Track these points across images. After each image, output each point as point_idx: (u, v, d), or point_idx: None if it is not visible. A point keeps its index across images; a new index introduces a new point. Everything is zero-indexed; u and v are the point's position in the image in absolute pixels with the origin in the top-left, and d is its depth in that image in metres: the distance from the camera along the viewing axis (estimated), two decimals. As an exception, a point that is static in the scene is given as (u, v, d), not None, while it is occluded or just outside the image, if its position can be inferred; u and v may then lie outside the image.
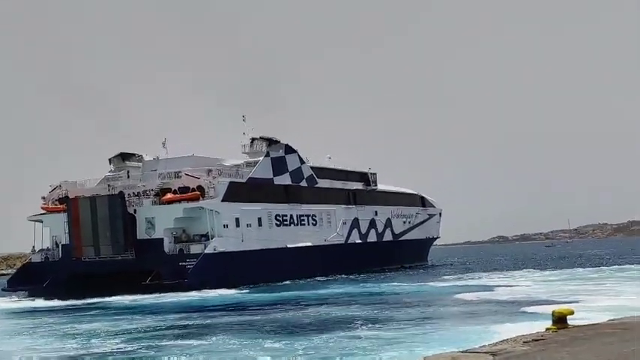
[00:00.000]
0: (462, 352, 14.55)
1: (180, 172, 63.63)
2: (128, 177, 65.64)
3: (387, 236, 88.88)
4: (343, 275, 72.36)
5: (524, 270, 70.19)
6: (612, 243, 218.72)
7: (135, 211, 61.48)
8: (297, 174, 73.24)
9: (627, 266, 65.55)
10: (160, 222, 60.76)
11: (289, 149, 72.90)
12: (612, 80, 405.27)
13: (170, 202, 61.17)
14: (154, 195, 62.31)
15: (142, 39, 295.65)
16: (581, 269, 65.00)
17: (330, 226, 77.59)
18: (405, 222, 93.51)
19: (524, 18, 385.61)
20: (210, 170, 64.54)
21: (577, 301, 31.07)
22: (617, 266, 66.48)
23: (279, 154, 71.85)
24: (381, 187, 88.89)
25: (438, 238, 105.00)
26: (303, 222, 73.46)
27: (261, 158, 70.15)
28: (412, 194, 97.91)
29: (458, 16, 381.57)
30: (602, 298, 34.10)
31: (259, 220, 67.18)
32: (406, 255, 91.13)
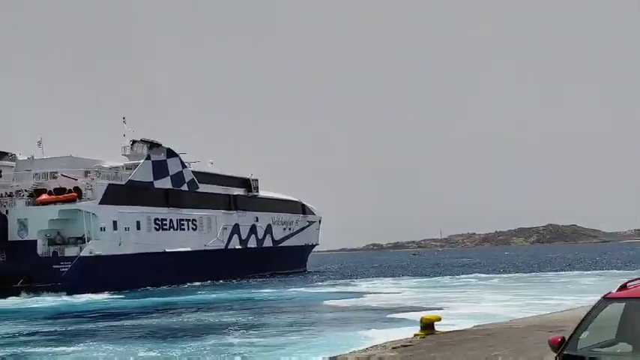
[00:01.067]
0: (331, 357, 14.96)
1: (56, 172, 61.64)
2: (0, 176, 63.03)
3: (267, 242, 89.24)
4: (222, 281, 72.12)
5: (394, 277, 72.43)
6: (480, 252, 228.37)
7: (7, 211, 59.23)
8: (178, 178, 72.41)
9: (487, 275, 69.10)
10: (33, 223, 58.73)
11: (171, 153, 72.01)
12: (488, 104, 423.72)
13: (45, 203, 59.21)
14: (28, 196, 60.23)
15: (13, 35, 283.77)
16: (448, 277, 67.82)
17: (210, 231, 77.17)
18: (285, 228, 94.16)
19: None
20: (87, 172, 62.93)
21: (443, 308, 32.37)
22: (480, 274, 70.10)
23: (161, 157, 70.82)
24: (262, 193, 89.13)
25: (317, 245, 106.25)
26: (183, 227, 72.73)
27: (141, 161, 68.91)
28: (293, 201, 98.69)
29: (330, 19, 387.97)
30: (466, 305, 35.76)
31: (138, 223, 66.03)
32: (285, 261, 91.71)
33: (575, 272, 69.20)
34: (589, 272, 67.84)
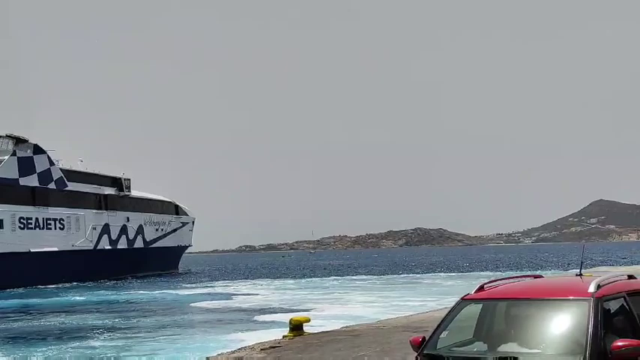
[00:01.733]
0: (199, 360, 14.81)
1: None
2: None
3: (139, 243, 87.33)
4: (91, 282, 69.93)
5: (265, 279, 72.76)
6: (351, 254, 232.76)
7: None
8: (45, 176, 69.60)
9: (356, 277, 70.74)
10: None
11: (38, 149, 69.12)
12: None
13: None
14: None
15: None
16: (318, 278, 68.81)
17: (78, 230, 74.68)
18: (157, 229, 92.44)
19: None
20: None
21: (312, 309, 32.73)
22: (349, 276, 71.69)
23: (27, 154, 67.86)
24: (134, 193, 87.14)
25: (190, 246, 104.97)
26: (49, 226, 69.99)
27: (6, 157, 65.74)
28: (166, 201, 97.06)
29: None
30: (335, 306, 36.37)
31: (1, 222, 63.11)
32: (157, 262, 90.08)
33: (440, 274, 71.78)
34: (453, 274, 70.53)
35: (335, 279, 67.50)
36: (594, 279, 6.71)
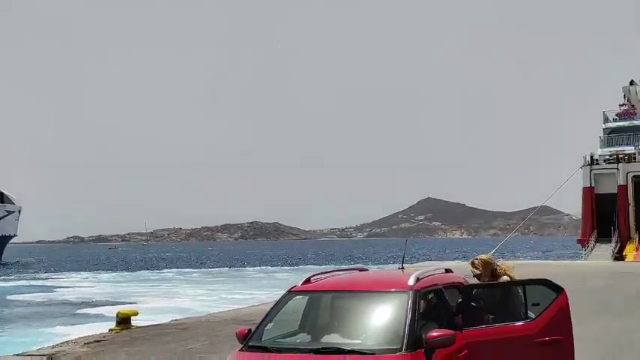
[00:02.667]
0: (17, 355, 14.05)
1: None
2: None
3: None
4: None
5: (92, 271, 70.43)
6: (185, 246, 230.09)
7: None
8: None
9: (187, 270, 70.09)
10: None
11: None
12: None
13: None
14: None
15: None
16: (148, 271, 67.48)
17: None
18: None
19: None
20: None
21: (139, 302, 32.10)
22: (180, 269, 70.88)
23: None
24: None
25: (15, 236, 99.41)
26: None
27: None
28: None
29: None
30: (164, 299, 35.85)
31: None
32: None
33: (273, 268, 72.50)
34: (285, 268, 71.47)
35: (166, 272, 66.46)
36: (414, 272, 6.97)
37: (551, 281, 7.09)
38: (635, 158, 52.87)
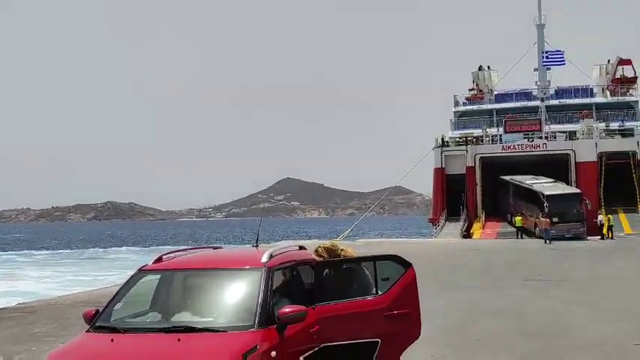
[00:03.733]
0: None
1: None
2: None
3: None
4: None
5: None
6: (34, 227, 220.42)
7: None
8: None
9: (30, 251, 67.20)
10: None
11: None
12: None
13: None
14: None
15: None
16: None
17: None
18: None
19: None
20: None
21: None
22: (26, 251, 67.90)
23: None
24: None
25: None
26: None
27: None
28: None
29: None
30: (6, 282, 34.11)
31: None
32: None
33: (127, 249, 70.77)
34: (139, 249, 69.96)
35: (12, 254, 63.24)
36: (267, 250, 6.98)
37: (400, 257, 7.31)
38: (482, 141, 55.61)
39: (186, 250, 7.72)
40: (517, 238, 46.14)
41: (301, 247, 7.72)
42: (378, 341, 6.88)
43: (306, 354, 6.53)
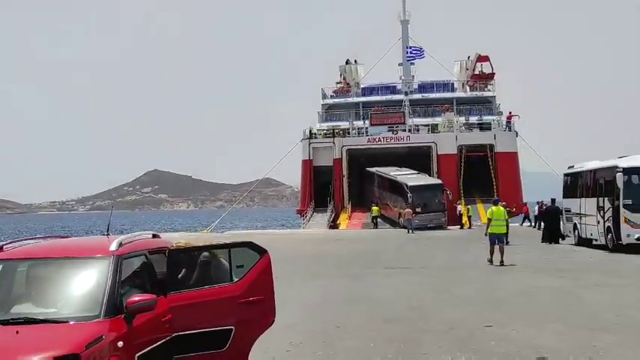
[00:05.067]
0: None
1: None
2: None
3: None
4: None
5: None
6: None
7: None
8: None
9: None
10: None
11: None
12: None
13: None
14: None
15: None
16: None
17: None
18: None
19: None
20: None
21: None
22: None
23: None
24: None
25: None
26: None
27: None
28: None
29: None
30: None
31: None
32: None
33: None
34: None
35: None
36: (117, 238, 6.72)
37: (254, 243, 7.23)
38: (349, 133, 56.53)
39: (29, 239, 7.32)
40: (373, 227, 48.03)
41: (155, 235, 7.49)
42: (232, 328, 6.78)
43: (157, 343, 6.33)
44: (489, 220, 20.97)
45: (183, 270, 6.96)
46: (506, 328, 10.64)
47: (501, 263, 20.27)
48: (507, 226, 21.92)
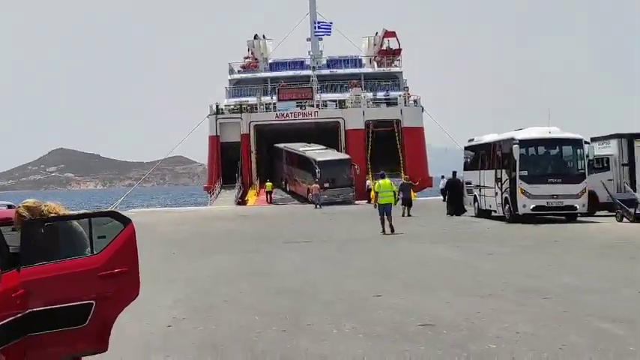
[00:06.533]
0: None
1: None
2: None
3: None
4: None
5: None
6: None
7: None
8: None
9: None
10: None
11: None
12: None
13: None
14: None
15: None
16: None
17: None
18: None
19: None
20: None
21: None
22: None
23: None
24: None
25: None
26: None
27: None
28: None
29: None
30: None
31: None
32: None
33: None
34: None
35: None
36: None
37: (118, 213, 6.80)
38: (256, 109, 55.96)
39: None
40: (267, 203, 48.54)
41: (10, 206, 6.97)
42: (92, 303, 6.35)
43: (5, 320, 5.85)
44: (376, 193, 22.52)
45: (39, 242, 6.46)
46: (395, 297, 10.57)
47: (392, 231, 21.42)
48: (395, 196, 23.33)
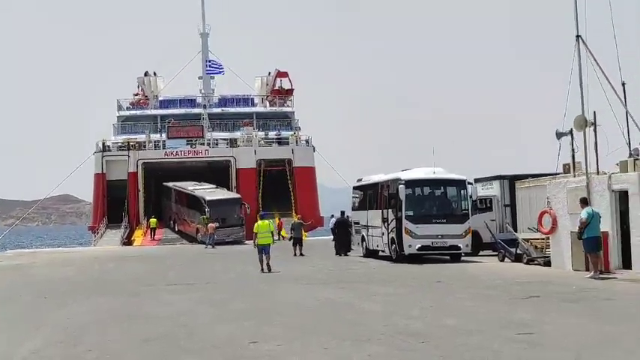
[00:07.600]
0: None
1: None
2: None
3: None
4: None
5: None
6: None
7: None
8: None
9: None
10: None
11: None
12: None
13: None
14: None
15: None
16: None
17: None
18: None
19: None
20: None
21: None
22: None
23: None
24: None
25: None
26: None
27: None
28: None
29: None
30: None
31: None
32: None
33: None
34: None
35: None
36: None
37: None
38: (145, 146, 54.71)
39: None
40: (152, 240, 48.27)
41: None
42: None
43: None
44: (255, 233, 23.00)
45: None
46: (271, 343, 10.13)
47: (269, 269, 22.04)
48: (272, 237, 23.92)
